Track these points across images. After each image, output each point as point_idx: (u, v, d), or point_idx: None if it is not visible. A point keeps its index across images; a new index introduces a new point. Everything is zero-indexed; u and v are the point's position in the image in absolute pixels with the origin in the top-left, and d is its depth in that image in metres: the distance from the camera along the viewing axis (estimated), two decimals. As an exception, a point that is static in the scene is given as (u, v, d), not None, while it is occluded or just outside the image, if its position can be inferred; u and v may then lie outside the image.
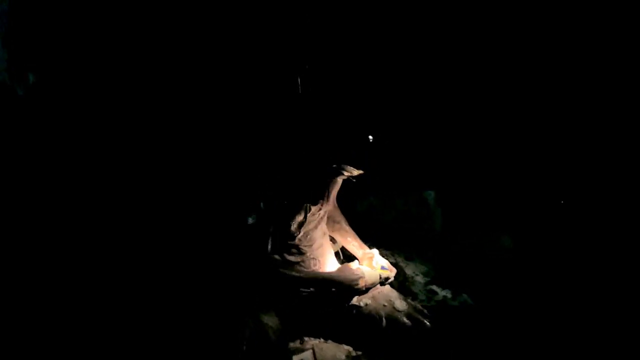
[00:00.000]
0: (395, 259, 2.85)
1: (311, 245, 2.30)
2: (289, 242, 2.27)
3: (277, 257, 2.25)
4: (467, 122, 3.25)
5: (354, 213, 2.71)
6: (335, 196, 2.43)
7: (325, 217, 2.40)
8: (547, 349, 2.18)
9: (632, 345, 2.16)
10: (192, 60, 2.60)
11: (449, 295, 2.63)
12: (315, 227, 2.32)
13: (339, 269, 2.34)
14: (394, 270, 2.42)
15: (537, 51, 3.04)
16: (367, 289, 2.28)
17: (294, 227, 2.25)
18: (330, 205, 2.40)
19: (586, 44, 2.95)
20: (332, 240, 2.52)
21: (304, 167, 2.29)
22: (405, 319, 2.20)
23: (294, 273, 2.23)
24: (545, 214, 3.12)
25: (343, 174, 2.27)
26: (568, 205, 3.07)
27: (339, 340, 2.17)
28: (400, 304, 2.27)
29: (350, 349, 2.14)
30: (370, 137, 2.26)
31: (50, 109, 2.50)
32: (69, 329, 2.02)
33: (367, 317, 2.21)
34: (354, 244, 2.49)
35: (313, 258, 2.30)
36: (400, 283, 2.62)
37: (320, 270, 2.33)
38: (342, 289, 2.22)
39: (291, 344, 2.14)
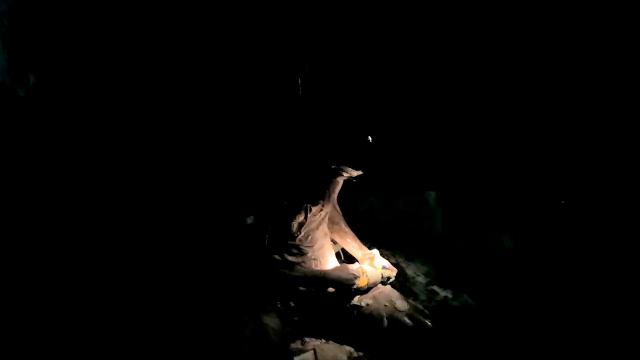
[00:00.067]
0: (396, 259, 2.85)
1: (312, 246, 2.30)
2: (290, 242, 2.26)
3: (277, 257, 2.25)
4: (467, 122, 3.25)
5: (355, 213, 2.71)
6: (335, 197, 2.42)
7: (327, 218, 2.40)
8: (547, 349, 2.18)
9: (632, 345, 2.15)
10: (192, 61, 2.60)
11: (450, 296, 2.63)
12: (317, 227, 2.32)
13: (336, 268, 2.35)
14: (395, 270, 2.42)
15: (537, 51, 3.04)
16: (368, 289, 2.29)
17: (294, 227, 2.25)
18: (331, 206, 2.40)
19: (586, 44, 2.95)
20: (333, 241, 2.52)
21: (304, 167, 2.29)
22: (406, 319, 2.20)
23: (291, 272, 2.23)
24: (546, 214, 3.12)
25: (343, 175, 2.27)
26: (569, 205, 3.07)
27: (340, 340, 2.17)
28: (401, 304, 2.27)
29: (352, 349, 2.14)
30: (370, 137, 2.26)
31: (50, 110, 2.50)
32: (69, 328, 2.01)
33: (368, 318, 2.21)
34: (353, 245, 2.49)
35: (314, 259, 2.30)
36: (401, 283, 2.61)
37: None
38: (339, 288, 2.22)
39: (292, 345, 2.14)
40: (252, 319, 2.14)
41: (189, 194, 2.53)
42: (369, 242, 2.56)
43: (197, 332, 2.07)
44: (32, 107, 2.46)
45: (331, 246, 2.45)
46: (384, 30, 2.91)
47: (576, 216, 3.02)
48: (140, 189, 2.55)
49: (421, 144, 3.27)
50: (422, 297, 2.61)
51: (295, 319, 2.21)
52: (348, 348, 2.14)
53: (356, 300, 2.25)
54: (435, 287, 2.70)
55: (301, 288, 2.22)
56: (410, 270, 2.81)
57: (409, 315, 2.22)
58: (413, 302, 2.37)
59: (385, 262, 2.40)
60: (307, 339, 2.17)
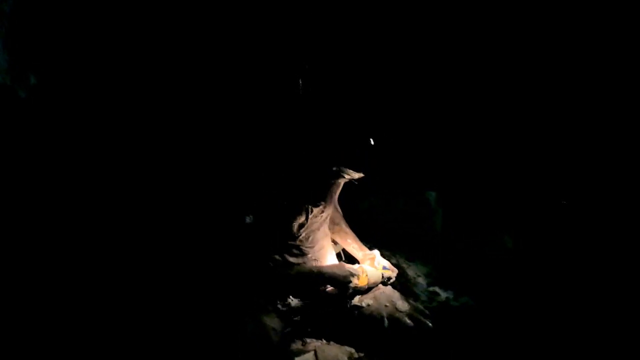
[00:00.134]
0: (397, 260, 2.85)
1: (313, 247, 2.30)
2: (290, 243, 2.27)
3: (277, 257, 2.25)
4: (468, 123, 3.25)
5: (355, 214, 2.71)
6: (336, 198, 2.43)
7: (328, 219, 2.40)
8: (547, 349, 2.18)
9: (632, 345, 2.15)
10: (194, 63, 2.60)
11: (451, 296, 2.63)
12: (318, 228, 2.32)
13: (332, 265, 2.35)
14: (396, 271, 2.43)
15: (538, 51, 3.04)
16: (369, 288, 2.29)
17: (295, 228, 2.25)
18: (332, 207, 2.40)
19: (586, 44, 2.95)
20: (333, 242, 2.52)
21: (305, 169, 2.29)
22: (407, 320, 2.21)
23: (288, 271, 2.24)
24: (547, 215, 3.12)
25: (344, 177, 2.27)
26: (569, 205, 3.07)
27: (341, 341, 2.17)
28: (402, 304, 2.28)
29: (353, 350, 2.14)
30: (372, 140, 2.26)
31: (51, 111, 2.50)
32: (69, 328, 2.01)
33: (369, 318, 2.21)
34: (354, 246, 2.49)
35: (315, 259, 2.31)
36: (402, 284, 2.61)
37: None
38: (336, 285, 2.22)
39: (293, 346, 2.14)
40: (252, 320, 2.15)
41: (190, 194, 2.53)
42: (369, 242, 2.56)
43: (198, 333, 2.07)
44: (32, 108, 2.46)
45: (332, 247, 2.45)
46: (385, 31, 2.91)
47: (577, 217, 3.02)
48: (140, 190, 2.55)
49: (422, 145, 3.27)
50: (423, 297, 2.61)
51: (296, 319, 2.21)
52: (349, 349, 2.14)
53: (357, 300, 2.26)
54: (436, 288, 2.70)
55: (299, 286, 2.22)
56: (410, 271, 2.81)
57: (410, 316, 2.23)
58: (414, 303, 2.38)
59: (386, 263, 2.41)
60: (307, 340, 2.17)
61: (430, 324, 2.21)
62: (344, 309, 2.24)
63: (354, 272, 2.24)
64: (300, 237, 2.27)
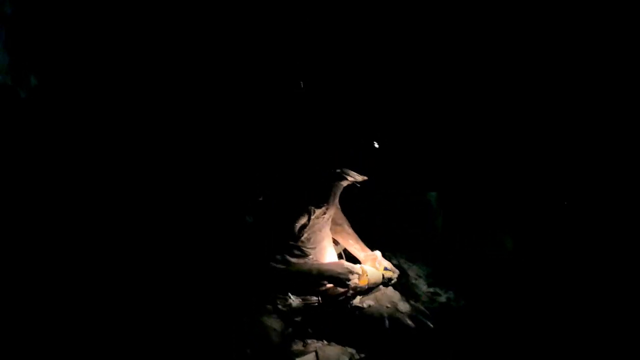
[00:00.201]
0: (398, 261, 2.84)
1: (314, 248, 2.30)
2: (292, 244, 2.26)
3: (278, 257, 2.25)
4: (469, 123, 3.25)
5: (356, 215, 2.70)
6: (338, 199, 2.42)
7: (330, 220, 2.40)
8: (548, 350, 2.18)
9: (633, 345, 2.15)
10: (195, 64, 2.60)
11: (452, 297, 2.62)
12: (320, 229, 2.32)
13: (331, 263, 2.35)
14: (397, 272, 2.42)
15: (538, 51, 3.04)
16: (369, 288, 2.29)
17: (297, 229, 2.25)
18: (334, 208, 2.40)
19: (586, 44, 2.95)
20: (335, 242, 2.52)
21: (309, 170, 2.29)
22: (408, 321, 2.21)
23: (288, 268, 2.23)
24: (547, 216, 3.12)
25: (347, 179, 2.27)
26: (570, 207, 3.06)
27: (342, 342, 2.17)
28: (403, 305, 2.28)
29: (354, 351, 2.13)
30: (376, 144, 2.26)
31: (51, 111, 2.51)
32: (69, 328, 2.01)
33: (370, 319, 2.21)
34: (355, 247, 2.49)
35: (316, 260, 2.31)
36: (403, 285, 2.61)
37: None
38: (335, 283, 2.22)
39: (294, 347, 2.13)
40: (253, 320, 2.14)
41: (192, 194, 2.53)
42: (370, 243, 2.55)
43: (198, 334, 2.07)
44: (33, 109, 2.47)
45: (333, 247, 2.45)
46: (385, 32, 2.92)
47: (577, 218, 3.01)
48: (141, 189, 2.55)
49: (422, 146, 3.27)
50: (424, 298, 2.60)
51: (297, 320, 2.20)
52: (350, 349, 2.14)
53: (358, 301, 2.25)
54: (437, 289, 2.69)
55: (299, 284, 2.22)
56: (412, 272, 2.80)
57: (411, 317, 2.23)
58: (415, 304, 2.38)
59: (388, 264, 2.41)
60: (308, 341, 2.17)
61: (431, 325, 2.21)
62: (345, 310, 2.24)
63: (353, 269, 2.23)
64: (302, 237, 2.27)
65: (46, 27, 2.46)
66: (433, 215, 3.27)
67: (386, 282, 2.35)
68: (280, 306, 2.21)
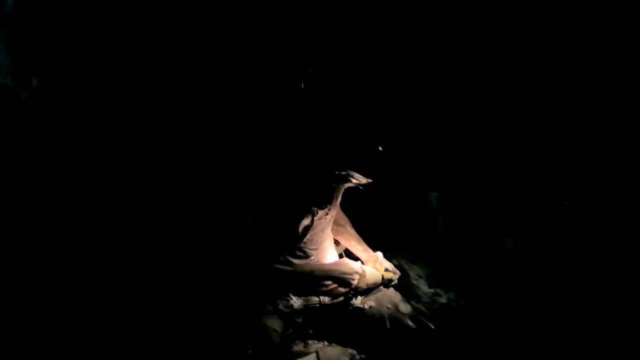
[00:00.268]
0: (399, 261, 2.83)
1: (316, 249, 2.30)
2: (294, 245, 2.26)
3: (281, 258, 2.25)
4: (469, 124, 3.25)
5: (357, 215, 2.70)
6: (340, 200, 2.42)
7: (332, 221, 2.40)
8: (548, 350, 2.18)
9: (633, 346, 2.15)
10: (196, 65, 2.60)
11: (453, 297, 2.62)
12: (322, 230, 2.32)
13: (336, 262, 2.35)
14: (398, 273, 2.43)
15: (538, 52, 3.04)
16: (368, 289, 2.29)
17: (300, 230, 2.25)
18: (336, 209, 2.40)
19: (586, 44, 2.94)
20: (336, 242, 2.52)
21: (312, 172, 2.29)
22: (409, 322, 2.21)
23: (294, 269, 2.23)
24: (548, 216, 3.11)
25: (352, 181, 2.27)
26: (571, 207, 3.06)
27: (343, 343, 2.17)
28: (404, 306, 2.28)
29: (355, 352, 2.13)
30: (381, 147, 2.26)
31: (52, 112, 2.51)
32: (69, 328, 2.01)
33: (371, 320, 2.21)
34: (357, 248, 2.49)
35: (317, 261, 2.31)
36: (404, 285, 2.60)
37: None
38: (340, 283, 2.22)
39: (294, 347, 2.14)
40: (254, 321, 2.14)
41: (194, 194, 2.53)
42: (370, 244, 2.55)
43: (199, 334, 2.07)
44: (33, 109, 2.47)
45: (334, 248, 2.46)
46: (389, 33, 2.92)
47: (578, 218, 3.01)
48: (142, 191, 2.55)
49: (423, 146, 3.27)
50: (425, 299, 2.60)
51: (298, 320, 2.20)
52: (351, 350, 2.14)
53: (359, 302, 2.25)
54: (438, 290, 2.69)
55: (301, 284, 2.21)
56: (412, 272, 2.80)
57: (412, 318, 2.23)
58: (416, 304, 2.37)
59: (389, 265, 2.41)
60: (309, 341, 2.17)
61: (432, 326, 2.21)
62: (346, 311, 2.24)
63: (357, 269, 2.24)
64: (305, 239, 2.27)
65: (47, 28, 2.46)
66: (434, 215, 3.26)
67: (386, 283, 2.35)
68: (281, 307, 2.21)
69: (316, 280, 2.23)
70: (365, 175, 2.24)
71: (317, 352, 2.10)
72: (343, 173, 2.23)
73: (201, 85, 2.60)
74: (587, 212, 2.99)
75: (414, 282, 2.74)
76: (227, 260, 2.32)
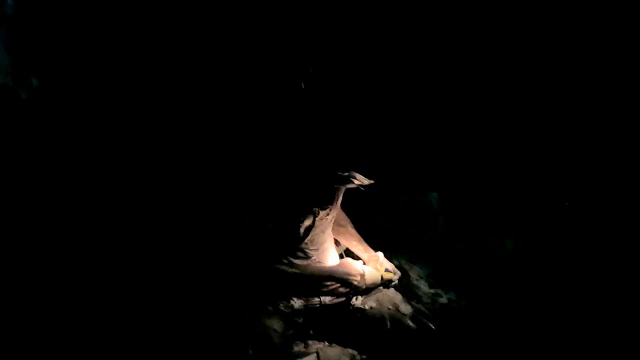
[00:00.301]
0: (399, 262, 2.84)
1: (317, 249, 2.31)
2: (295, 246, 2.26)
3: (282, 259, 2.25)
4: (470, 124, 3.25)
5: (357, 215, 2.70)
6: (340, 200, 2.43)
7: (332, 222, 2.40)
8: (548, 350, 2.18)
9: (633, 345, 2.15)
10: (196, 65, 2.60)
11: (453, 298, 2.62)
12: (323, 231, 2.33)
13: (340, 264, 2.35)
14: (398, 274, 2.43)
15: (538, 52, 3.04)
16: (367, 289, 2.29)
17: (302, 231, 2.25)
18: (337, 210, 2.40)
19: (586, 44, 2.94)
20: (336, 242, 2.52)
21: (314, 173, 2.29)
22: (409, 322, 2.21)
23: (301, 271, 2.23)
24: (548, 217, 3.12)
25: (353, 183, 2.27)
26: (571, 207, 3.06)
27: (343, 343, 2.17)
28: (404, 307, 2.28)
29: (355, 352, 2.13)
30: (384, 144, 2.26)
31: (52, 113, 2.51)
32: (70, 329, 2.01)
33: (371, 320, 2.21)
34: (359, 248, 2.49)
35: (318, 262, 2.31)
36: (405, 286, 2.61)
37: None
38: (344, 284, 2.22)
39: (295, 348, 2.13)
40: (254, 321, 2.14)
41: (195, 195, 2.53)
42: (372, 244, 2.55)
43: (199, 335, 2.07)
44: (34, 110, 2.47)
45: (335, 248, 2.46)
46: (389, 32, 2.91)
47: (578, 218, 3.01)
48: (143, 191, 2.55)
49: (423, 146, 3.27)
50: (425, 299, 2.60)
51: (299, 321, 2.20)
52: (351, 351, 2.14)
53: (359, 302, 2.25)
54: (439, 290, 2.69)
55: (305, 286, 2.22)
56: (413, 273, 2.80)
57: (412, 318, 2.23)
58: (416, 305, 2.38)
59: (390, 265, 2.41)
60: (310, 342, 2.17)
61: (432, 326, 2.21)
62: (346, 311, 2.24)
63: (359, 269, 2.26)
64: (306, 239, 2.27)
65: (47, 28, 2.46)
66: (434, 215, 3.27)
67: (386, 283, 2.35)
68: (281, 307, 2.21)
69: (318, 281, 2.23)
70: (367, 176, 2.24)
71: (317, 353, 2.09)
72: (345, 174, 2.23)
73: (202, 85, 2.60)
74: (587, 212, 2.99)
75: (415, 282, 2.74)
76: (227, 260, 2.32)
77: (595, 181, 3.01)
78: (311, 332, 2.20)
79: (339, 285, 2.24)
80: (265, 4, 2.65)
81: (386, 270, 2.37)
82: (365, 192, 2.40)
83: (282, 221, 2.27)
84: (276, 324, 2.16)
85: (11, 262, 2.20)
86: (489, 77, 3.15)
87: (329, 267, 2.31)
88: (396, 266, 2.50)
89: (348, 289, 2.25)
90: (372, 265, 2.38)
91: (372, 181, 2.25)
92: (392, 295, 2.33)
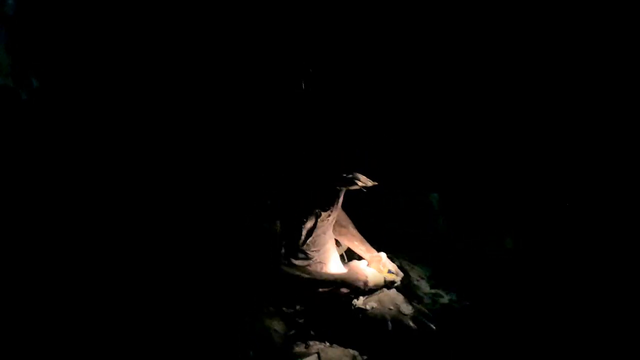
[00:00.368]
0: (400, 262, 2.84)
1: (318, 251, 2.31)
2: (296, 247, 2.26)
3: (285, 261, 2.25)
4: (470, 124, 3.25)
5: (358, 215, 2.70)
6: (341, 201, 2.43)
7: (333, 223, 2.40)
8: (548, 351, 2.18)
9: (633, 345, 2.15)
10: (197, 66, 2.59)
11: (454, 298, 2.63)
12: (324, 232, 2.32)
13: (349, 269, 2.36)
14: (401, 274, 2.43)
15: (538, 52, 3.04)
16: (369, 290, 2.29)
17: (303, 232, 2.25)
18: (338, 210, 2.40)
19: (586, 44, 2.94)
20: (337, 243, 2.52)
21: (317, 174, 2.28)
22: (411, 323, 2.21)
23: (304, 275, 2.23)
24: (548, 216, 3.12)
25: (357, 184, 2.27)
26: (571, 207, 3.06)
27: (344, 344, 2.17)
28: (406, 307, 2.28)
29: (356, 353, 2.13)
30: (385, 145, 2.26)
31: (53, 113, 2.50)
32: (69, 328, 2.01)
33: (372, 321, 2.21)
34: (361, 248, 2.49)
35: (319, 262, 2.31)
36: (406, 286, 2.61)
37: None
38: (351, 289, 2.23)
39: (296, 349, 2.13)
40: (255, 322, 2.14)
41: (196, 197, 2.53)
42: (373, 245, 2.55)
43: (200, 335, 2.07)
44: (34, 111, 2.46)
45: (336, 249, 2.46)
46: (389, 32, 2.91)
47: (578, 218, 3.02)
48: (143, 191, 2.55)
49: (424, 146, 3.27)
50: (426, 300, 2.61)
51: (300, 321, 2.21)
52: (352, 351, 2.14)
53: (361, 303, 2.26)
54: (440, 290, 2.70)
55: (315, 290, 2.22)
56: (414, 273, 2.81)
57: (414, 319, 2.23)
58: (417, 305, 2.38)
59: (392, 266, 2.41)
60: (310, 342, 2.17)
61: (433, 327, 2.21)
62: (347, 312, 2.24)
63: (367, 273, 2.27)
64: (307, 241, 2.27)
65: (48, 28, 2.45)
66: (434, 216, 3.27)
67: (388, 285, 2.35)
68: (282, 308, 2.21)
69: (321, 284, 2.23)
70: (368, 177, 2.24)
71: (318, 353, 2.10)
72: (349, 176, 2.23)
73: (202, 86, 2.60)
74: (587, 212, 3.00)
75: (415, 282, 2.75)
76: (228, 261, 2.32)
77: (596, 181, 3.01)
78: (312, 332, 2.20)
79: (341, 287, 2.24)
80: (265, 4, 2.64)
81: (389, 271, 2.36)
82: (366, 193, 2.40)
83: (283, 222, 2.27)
84: (277, 325, 2.16)
85: (11, 262, 2.20)
86: (488, 77, 3.15)
87: (339, 275, 2.31)
88: (397, 266, 2.50)
89: (349, 290, 2.25)
90: (374, 266, 2.38)
91: (375, 183, 2.25)
92: (393, 296, 2.32)
